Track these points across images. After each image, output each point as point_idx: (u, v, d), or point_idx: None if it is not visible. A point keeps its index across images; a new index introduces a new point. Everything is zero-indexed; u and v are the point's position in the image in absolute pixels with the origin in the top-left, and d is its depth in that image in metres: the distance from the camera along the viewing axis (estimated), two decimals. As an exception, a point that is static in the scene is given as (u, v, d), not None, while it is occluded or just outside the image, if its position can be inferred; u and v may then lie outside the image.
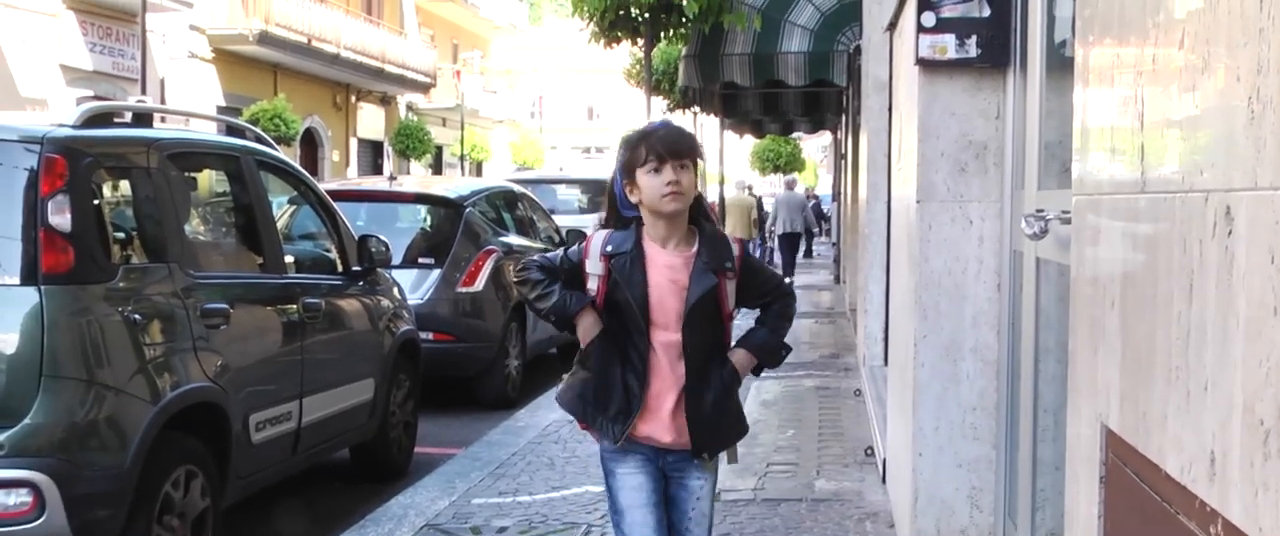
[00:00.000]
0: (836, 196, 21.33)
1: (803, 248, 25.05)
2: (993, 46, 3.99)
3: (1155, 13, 1.44)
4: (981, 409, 4.00)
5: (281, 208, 6.93)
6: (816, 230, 28.38)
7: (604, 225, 3.05)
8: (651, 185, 2.90)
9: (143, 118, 5.05)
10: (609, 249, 2.95)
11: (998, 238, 4.08)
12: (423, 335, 7.38)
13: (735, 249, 3.02)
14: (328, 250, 6.43)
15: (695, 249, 2.97)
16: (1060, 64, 3.17)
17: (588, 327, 2.99)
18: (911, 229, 4.26)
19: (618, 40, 10.21)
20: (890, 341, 5.97)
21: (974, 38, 4.03)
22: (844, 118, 13.31)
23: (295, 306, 5.40)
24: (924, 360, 4.06)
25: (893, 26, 5.61)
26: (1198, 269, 1.26)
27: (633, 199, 2.95)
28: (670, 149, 2.90)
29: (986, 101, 4.10)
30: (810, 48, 9.84)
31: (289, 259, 5.82)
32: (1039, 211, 3.05)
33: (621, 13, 9.87)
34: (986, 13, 4.01)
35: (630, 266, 2.92)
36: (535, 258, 3.12)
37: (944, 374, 4.04)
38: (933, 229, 4.11)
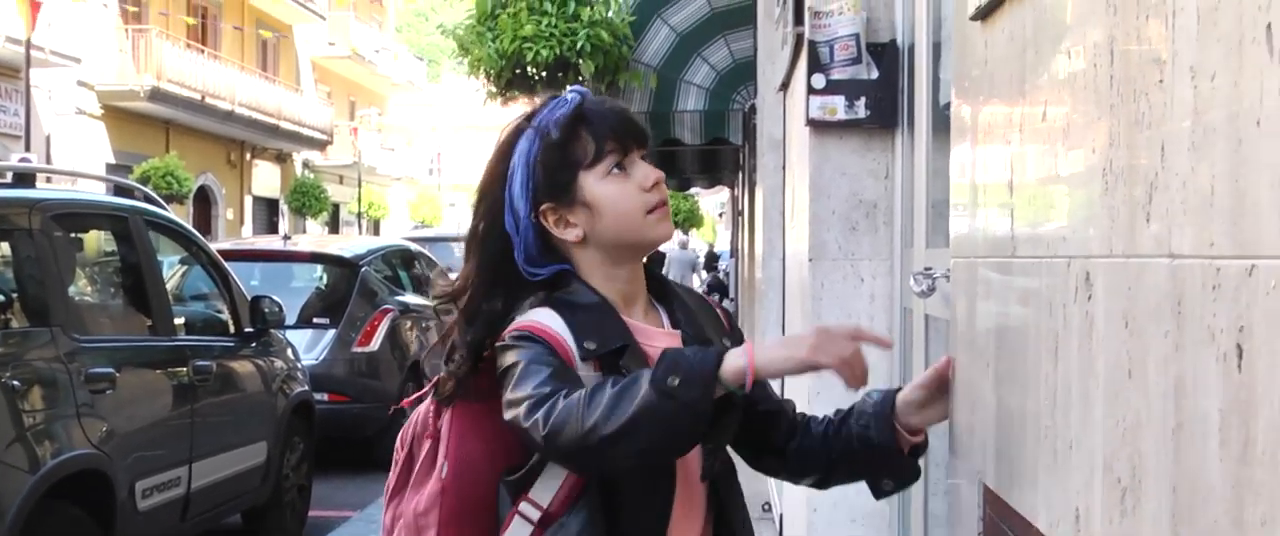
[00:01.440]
0: (734, 252, 21.57)
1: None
2: (881, 108, 4.09)
3: (1021, 83, 1.50)
4: (874, 463, 4.06)
5: (172, 268, 6.80)
6: (702, 281, 28.51)
7: (470, 305, 1.71)
8: (624, 198, 1.68)
9: (25, 178, 4.94)
10: (589, 346, 1.66)
11: (888, 295, 4.16)
12: (318, 396, 7.29)
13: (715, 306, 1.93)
14: (219, 311, 6.33)
15: (665, 313, 1.81)
16: (945, 125, 3.27)
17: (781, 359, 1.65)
18: (804, 286, 4.33)
19: (514, 99, 10.25)
20: (786, 396, 6.03)
21: (863, 99, 4.12)
22: (740, 175, 13.49)
23: (185, 369, 5.30)
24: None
25: (785, 87, 5.73)
26: (1062, 332, 1.31)
27: (567, 235, 1.69)
28: (633, 131, 1.73)
29: (876, 161, 4.19)
30: (706, 106, 9.98)
31: (179, 320, 5.72)
32: (927, 269, 3.12)
33: (517, 72, 9.92)
34: (875, 75, 4.11)
35: (632, 365, 1.65)
36: (530, 379, 1.61)
37: (837, 429, 4.09)
38: (825, 287, 4.18)
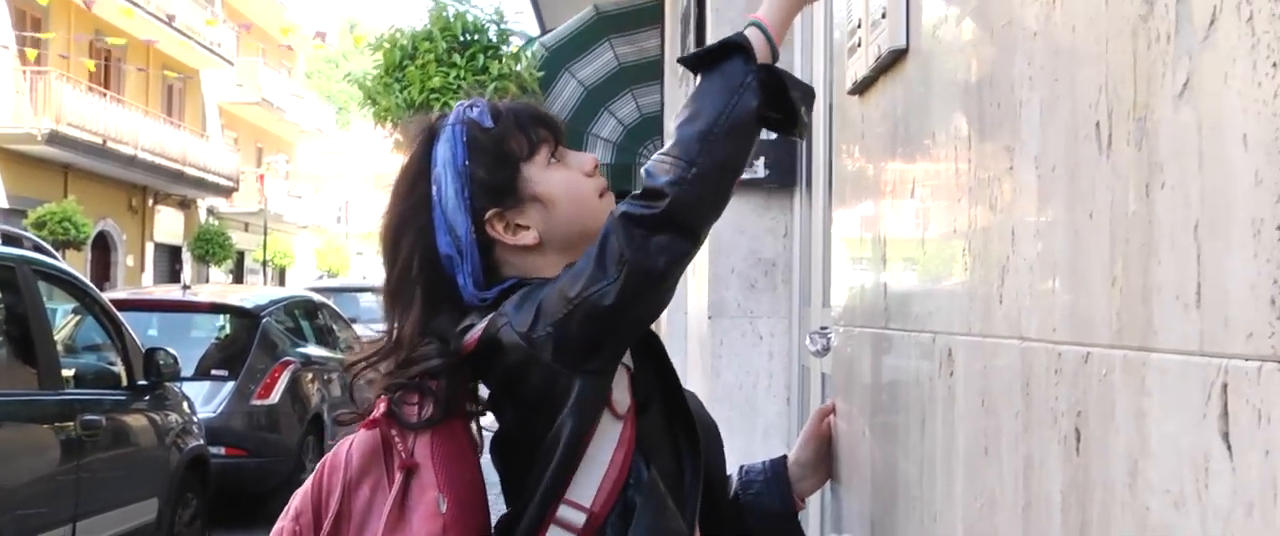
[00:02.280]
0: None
1: None
2: (781, 167, 4.14)
3: (893, 160, 1.54)
4: (772, 521, 4.08)
5: (63, 319, 6.64)
6: None
7: (402, 351, 1.47)
8: (574, 183, 1.52)
9: (-93, 227, 4.80)
10: None
11: (787, 353, 4.20)
12: (214, 450, 7.14)
13: None
14: (112, 363, 6.19)
15: None
16: (836, 189, 3.33)
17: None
18: (704, 343, 4.36)
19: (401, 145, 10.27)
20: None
21: (762, 159, 4.18)
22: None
23: (72, 423, 5.16)
24: (716, 473, 4.13)
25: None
26: (929, 405, 1.34)
27: (520, 239, 1.49)
28: (553, 121, 1.59)
29: (775, 220, 4.24)
30: (613, 160, 10.04)
31: (68, 373, 5.58)
32: (822, 329, 3.16)
33: (424, 122, 9.92)
34: (774, 135, 4.17)
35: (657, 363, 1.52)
36: (575, 282, 1.39)
37: (735, 487, 4.11)
38: (724, 344, 4.22)
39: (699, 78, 1.44)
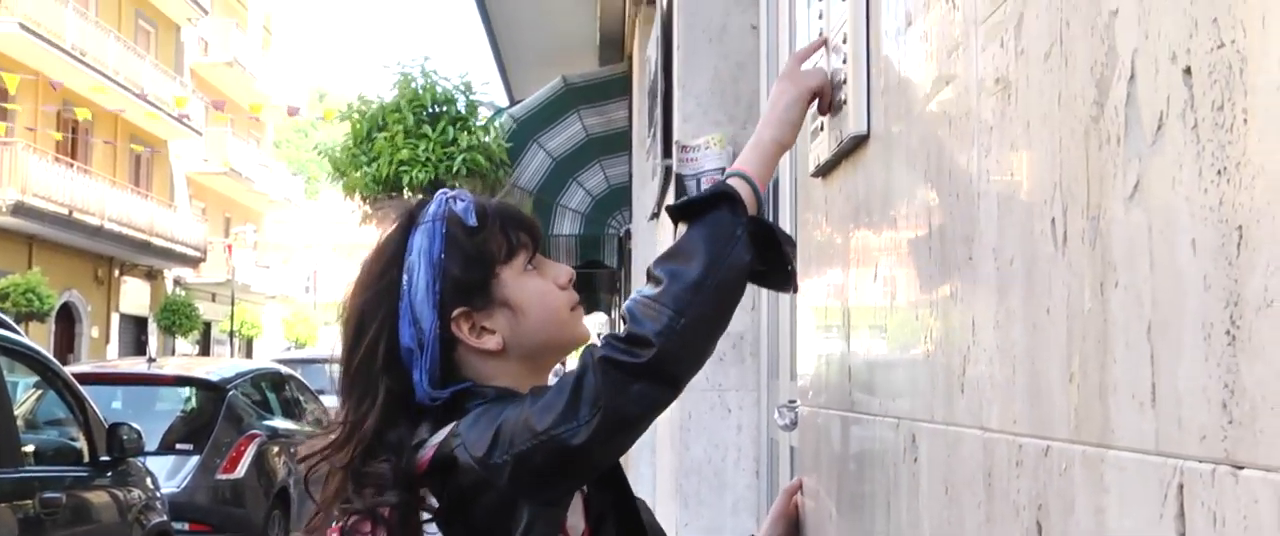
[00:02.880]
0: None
1: None
2: (747, 241, 4.15)
3: (856, 242, 1.55)
4: (743, 596, 4.05)
5: (25, 393, 6.57)
6: None
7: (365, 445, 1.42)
8: (547, 294, 1.49)
9: None
10: None
11: (756, 426, 4.19)
12: (178, 525, 7.06)
13: None
14: (74, 439, 6.11)
15: None
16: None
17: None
18: (673, 415, 4.34)
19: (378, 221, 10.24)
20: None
21: (729, 232, 4.18)
22: (617, 298, 13.59)
23: (31, 501, 5.08)
24: (686, 548, 4.11)
25: (656, 216, 5.81)
26: (893, 489, 1.34)
27: (485, 343, 1.45)
28: (535, 228, 1.54)
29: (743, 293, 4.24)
30: (582, 231, 10.06)
31: (28, 449, 5.50)
32: (791, 402, 3.17)
33: (393, 195, 9.90)
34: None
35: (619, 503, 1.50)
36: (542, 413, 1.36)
37: (706, 561, 4.08)
38: (692, 417, 4.20)
39: (683, 227, 1.43)
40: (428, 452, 1.36)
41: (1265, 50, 0.61)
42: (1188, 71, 0.69)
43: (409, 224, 1.46)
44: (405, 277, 1.43)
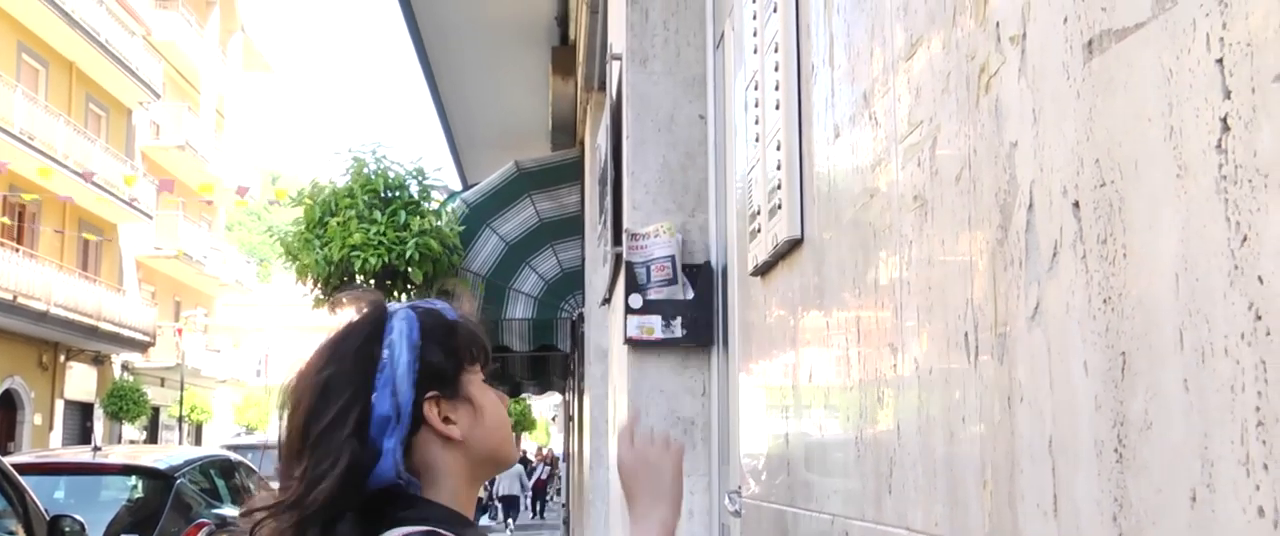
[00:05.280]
0: (566, 457, 21.48)
1: (525, 505, 26.55)
2: (697, 327, 4.20)
3: (792, 342, 1.60)
4: None
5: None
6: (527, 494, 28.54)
7: (313, 514, 1.44)
8: (498, 408, 1.56)
9: None
10: None
11: (707, 511, 4.20)
12: (122, 621, 6.89)
13: None
14: (11, 532, 5.98)
15: None
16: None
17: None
18: (624, 500, 4.34)
19: (343, 305, 10.21)
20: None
21: (679, 319, 4.23)
22: (571, 380, 13.57)
23: (-29, 600, 4.97)
24: (638, 636, 4.08)
25: (607, 302, 5.85)
26: (831, 586, 1.37)
27: (449, 431, 1.49)
28: (487, 351, 1.61)
29: (693, 379, 4.28)
30: (534, 314, 10.08)
31: (-32, 545, 5.38)
32: (739, 489, 3.19)
33: (346, 278, 9.88)
34: (691, 295, 4.24)
35: None
36: None
37: (658, 650, 4.06)
38: (643, 503, 4.20)
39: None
40: None
41: (1139, 191, 0.66)
42: (1077, 205, 0.74)
43: (383, 311, 1.50)
44: (386, 352, 1.45)
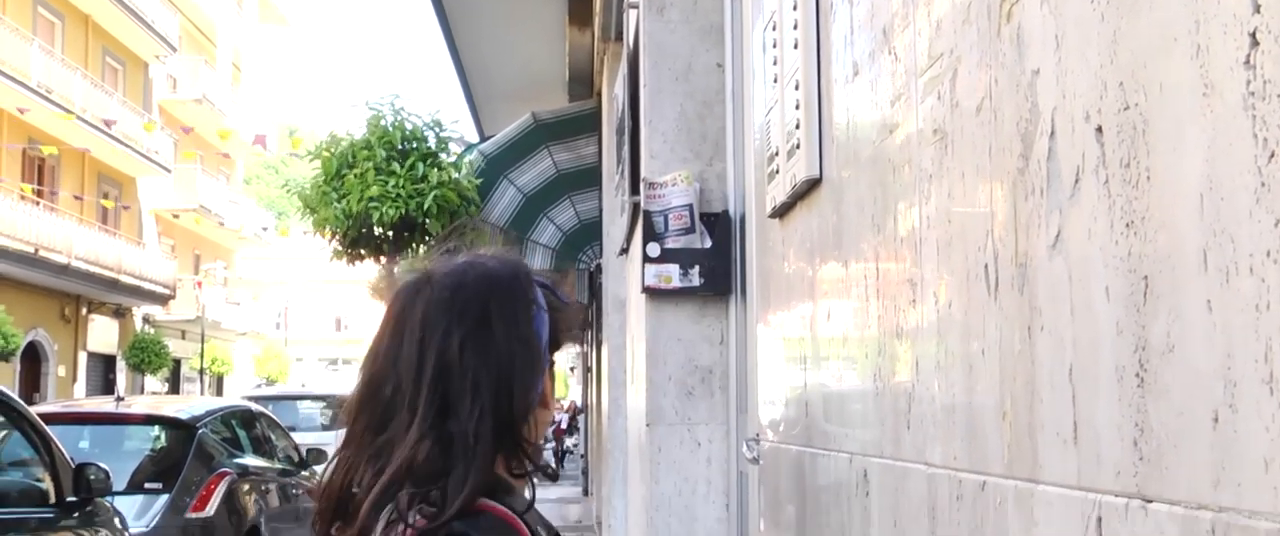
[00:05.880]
0: (585, 408, 21.60)
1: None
2: (715, 276, 4.19)
3: (811, 283, 1.60)
4: (714, 629, 4.06)
5: (-10, 435, 6.50)
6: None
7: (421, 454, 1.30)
8: (551, 402, 1.47)
9: None
10: None
11: (725, 459, 4.21)
12: (147, 566, 6.98)
13: None
14: (39, 480, 6.05)
15: None
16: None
17: None
18: (643, 450, 4.37)
19: (361, 257, 10.22)
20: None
21: (697, 267, 4.22)
22: (589, 332, 13.60)
23: (-3, 545, 5.04)
24: (657, 581, 4.12)
25: (625, 252, 5.85)
26: (847, 523, 1.38)
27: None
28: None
29: (711, 328, 4.29)
30: (552, 266, 10.09)
31: (-6, 492, 5.45)
32: (758, 436, 3.20)
33: (364, 231, 9.90)
34: (708, 244, 4.23)
35: None
36: None
37: (676, 594, 4.10)
38: (662, 451, 4.23)
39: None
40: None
41: (1163, 113, 0.65)
42: (1099, 130, 0.74)
43: (530, 274, 1.42)
44: (536, 314, 1.37)
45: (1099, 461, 0.74)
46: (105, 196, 28.00)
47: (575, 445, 27.34)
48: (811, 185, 1.54)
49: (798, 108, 1.55)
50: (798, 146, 1.55)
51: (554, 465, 25.11)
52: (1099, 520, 0.73)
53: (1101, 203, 0.74)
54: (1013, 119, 0.88)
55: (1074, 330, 0.78)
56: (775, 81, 1.70)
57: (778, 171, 1.72)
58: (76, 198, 25.42)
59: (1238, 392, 0.59)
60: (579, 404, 29.79)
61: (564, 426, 28.10)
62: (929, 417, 1.08)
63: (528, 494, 1.35)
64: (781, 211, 1.75)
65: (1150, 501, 0.67)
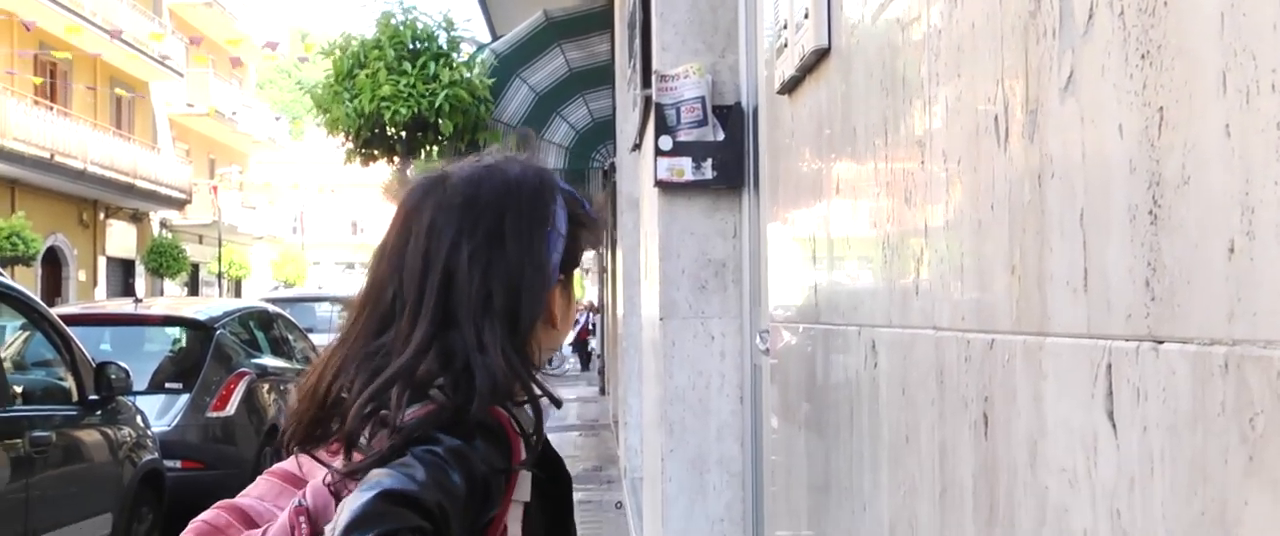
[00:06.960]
0: (600, 308, 21.70)
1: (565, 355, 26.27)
2: (728, 169, 4.16)
3: (820, 157, 1.57)
4: (728, 520, 4.09)
5: (12, 335, 6.57)
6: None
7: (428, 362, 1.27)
8: (572, 313, 1.43)
9: None
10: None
11: (738, 352, 4.22)
12: (170, 463, 7.08)
13: None
14: (62, 379, 6.11)
15: None
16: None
17: None
18: (656, 345, 4.37)
19: (374, 158, 10.20)
20: (643, 454, 6.07)
21: (710, 160, 4.19)
22: (604, 232, 13.61)
23: (21, 440, 5.10)
24: (671, 474, 4.15)
25: (637, 148, 5.81)
26: (856, 398, 1.36)
27: (552, 320, 1.38)
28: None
29: (723, 221, 4.26)
30: (566, 165, 10.06)
31: (17, 389, 5.51)
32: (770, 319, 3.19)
33: (376, 131, 9.86)
34: (721, 137, 4.19)
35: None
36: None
37: (691, 487, 4.12)
38: (676, 345, 4.23)
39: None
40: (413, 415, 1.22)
41: (1184, -67, 0.62)
42: (1116, -41, 0.70)
43: (553, 177, 1.39)
44: (551, 226, 1.33)
45: (1109, 307, 0.72)
46: (119, 99, 27.92)
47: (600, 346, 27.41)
48: (820, 56, 1.50)
49: (806, -25, 1.51)
50: (806, 16, 1.51)
51: (579, 366, 24.83)
52: (1109, 366, 0.71)
53: (1116, 36, 0.70)
54: (1026, -40, 0.85)
55: (1085, 174, 0.75)
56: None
57: (786, 45, 1.68)
58: (88, 88, 25.31)
59: (1255, 219, 0.56)
60: (595, 303, 29.83)
61: (590, 327, 28.07)
62: (937, 280, 1.05)
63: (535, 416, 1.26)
64: (790, 86, 1.71)
65: (1161, 342, 0.65)
